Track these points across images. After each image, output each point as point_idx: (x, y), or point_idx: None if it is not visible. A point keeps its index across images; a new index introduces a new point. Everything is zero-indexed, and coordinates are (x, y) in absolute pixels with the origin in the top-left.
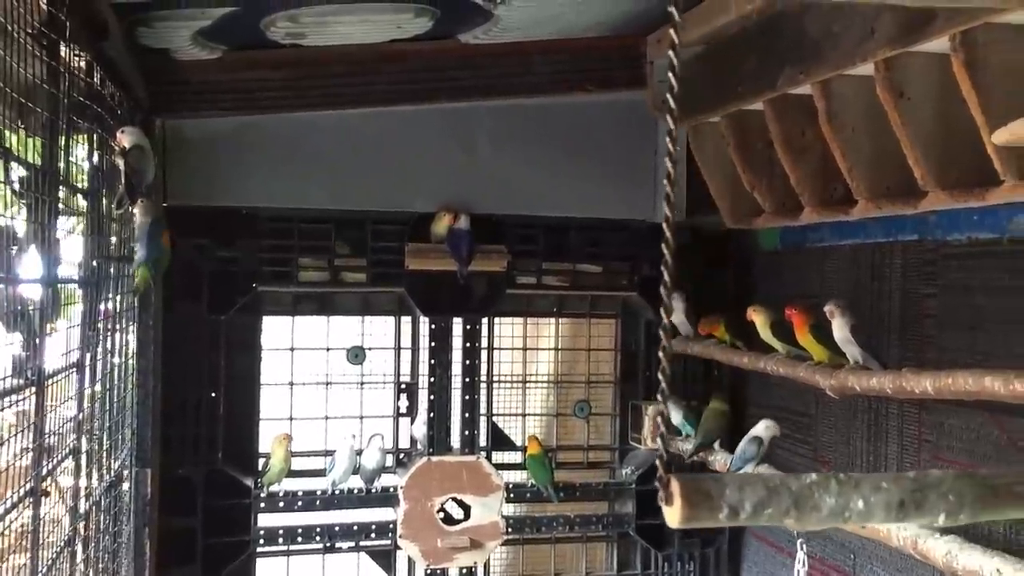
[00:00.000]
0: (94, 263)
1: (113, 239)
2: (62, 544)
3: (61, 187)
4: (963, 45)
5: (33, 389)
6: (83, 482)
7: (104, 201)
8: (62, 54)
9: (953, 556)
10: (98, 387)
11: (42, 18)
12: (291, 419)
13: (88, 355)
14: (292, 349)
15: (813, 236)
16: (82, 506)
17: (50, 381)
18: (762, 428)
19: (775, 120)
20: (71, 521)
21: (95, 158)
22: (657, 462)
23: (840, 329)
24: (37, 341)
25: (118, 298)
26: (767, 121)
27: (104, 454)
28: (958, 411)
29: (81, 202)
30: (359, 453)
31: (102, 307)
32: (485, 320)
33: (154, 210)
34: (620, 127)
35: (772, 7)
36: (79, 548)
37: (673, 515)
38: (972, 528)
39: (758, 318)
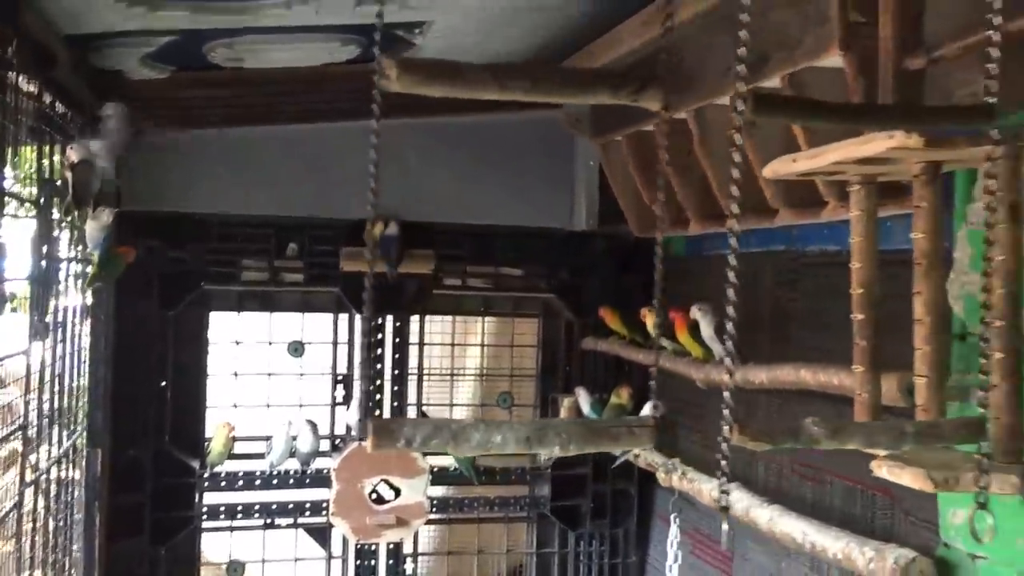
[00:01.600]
0: (42, 263)
1: (64, 243)
2: (9, 506)
3: (8, 197)
4: (791, 85)
5: None
6: (32, 454)
7: (54, 208)
8: (9, 82)
9: (774, 522)
10: (47, 372)
11: None
12: (235, 407)
13: (36, 344)
14: (237, 343)
15: (709, 245)
16: (29, 475)
17: None
18: (647, 411)
19: (663, 141)
20: (19, 486)
21: (44, 170)
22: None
23: (706, 328)
24: None
25: (70, 294)
26: (656, 142)
27: (54, 432)
28: (812, 401)
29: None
30: (295, 438)
31: (53, 302)
32: (416, 318)
33: (105, 218)
34: (539, 142)
35: None
36: (26, 512)
37: (369, 445)
38: (794, 498)
39: (649, 319)
